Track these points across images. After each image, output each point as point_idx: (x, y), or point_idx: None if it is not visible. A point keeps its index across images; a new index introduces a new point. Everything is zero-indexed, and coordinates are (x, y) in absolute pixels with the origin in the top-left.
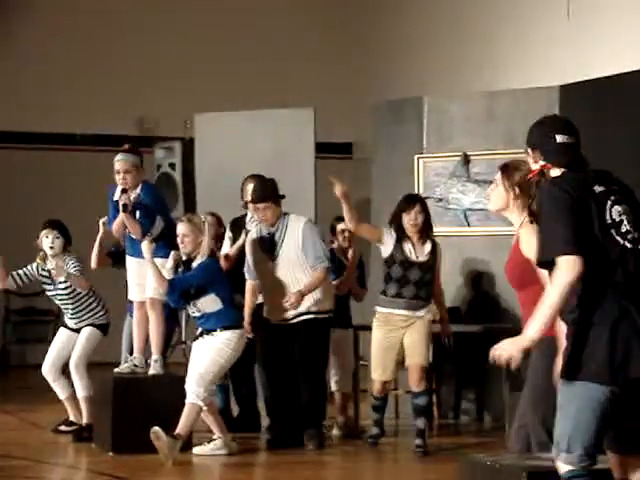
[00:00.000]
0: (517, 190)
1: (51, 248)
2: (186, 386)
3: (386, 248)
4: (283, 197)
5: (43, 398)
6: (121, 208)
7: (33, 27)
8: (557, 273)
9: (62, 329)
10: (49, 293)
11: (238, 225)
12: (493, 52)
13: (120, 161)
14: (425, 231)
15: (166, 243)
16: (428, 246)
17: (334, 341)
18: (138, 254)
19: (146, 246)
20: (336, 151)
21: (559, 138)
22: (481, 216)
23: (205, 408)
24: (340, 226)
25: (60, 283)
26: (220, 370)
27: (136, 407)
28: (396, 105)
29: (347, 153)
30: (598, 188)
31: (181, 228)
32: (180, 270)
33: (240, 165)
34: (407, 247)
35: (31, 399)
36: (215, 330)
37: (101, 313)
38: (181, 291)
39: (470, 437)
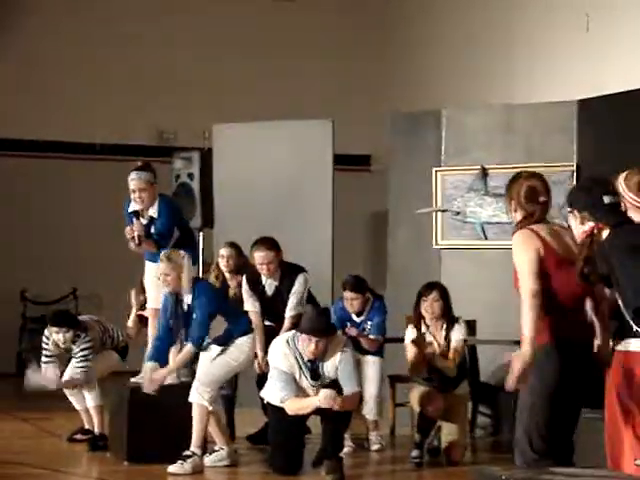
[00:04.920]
0: None
1: (64, 343)
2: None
3: None
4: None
5: (59, 406)
6: (136, 241)
7: (47, 35)
8: None
9: None
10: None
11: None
12: (512, 65)
13: (134, 180)
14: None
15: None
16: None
17: None
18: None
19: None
20: (354, 163)
21: (606, 199)
22: (498, 229)
23: (210, 408)
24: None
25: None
26: (229, 372)
27: (152, 417)
28: (414, 117)
29: (365, 165)
30: None
31: (161, 267)
32: (171, 307)
33: (258, 176)
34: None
35: (47, 407)
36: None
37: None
38: (202, 335)
39: (485, 452)
